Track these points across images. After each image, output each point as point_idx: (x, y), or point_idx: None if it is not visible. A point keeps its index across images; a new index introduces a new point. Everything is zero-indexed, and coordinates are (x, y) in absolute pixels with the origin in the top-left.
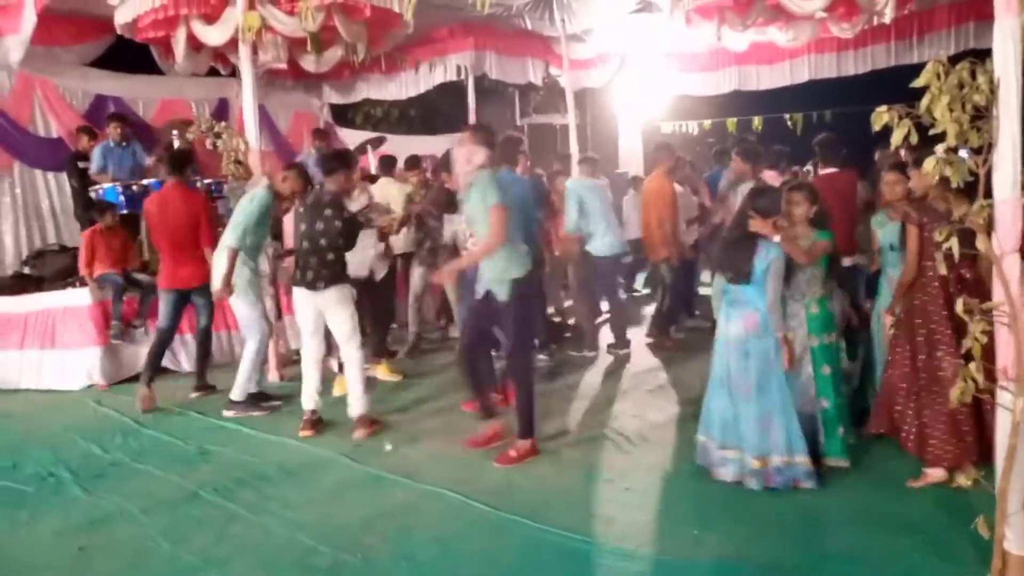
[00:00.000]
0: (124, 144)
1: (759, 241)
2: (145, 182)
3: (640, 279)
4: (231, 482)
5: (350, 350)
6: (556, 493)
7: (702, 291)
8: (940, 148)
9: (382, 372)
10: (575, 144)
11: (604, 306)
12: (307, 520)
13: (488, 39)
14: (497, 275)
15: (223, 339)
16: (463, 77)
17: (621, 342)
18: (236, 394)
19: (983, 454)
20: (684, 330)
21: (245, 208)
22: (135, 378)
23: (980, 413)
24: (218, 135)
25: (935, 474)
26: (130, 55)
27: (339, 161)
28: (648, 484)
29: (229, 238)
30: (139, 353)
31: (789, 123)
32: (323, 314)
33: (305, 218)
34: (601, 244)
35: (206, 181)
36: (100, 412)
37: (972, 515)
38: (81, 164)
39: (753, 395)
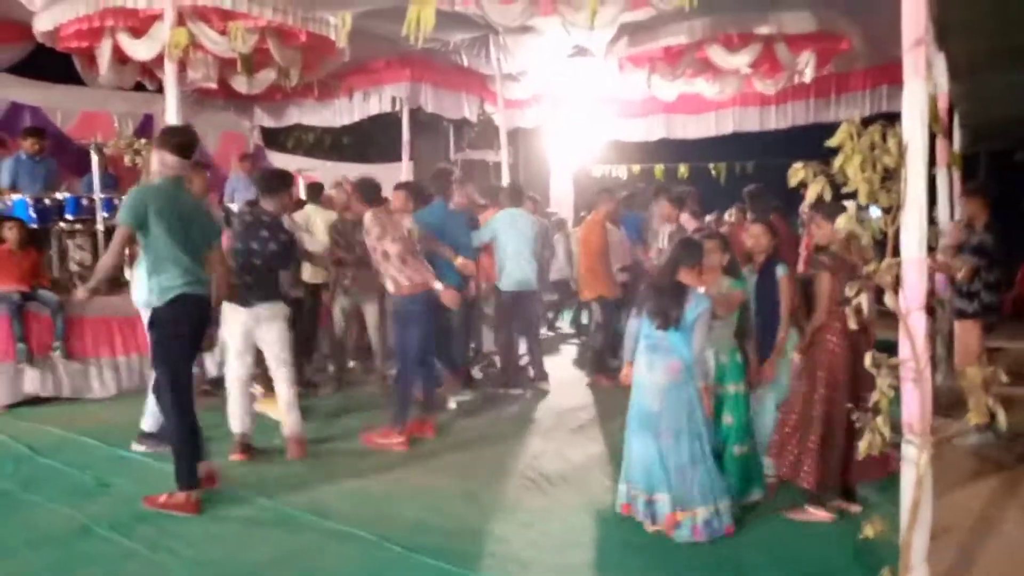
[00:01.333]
0: (38, 158)
1: (689, 290)
2: (59, 196)
3: (567, 317)
4: (129, 517)
5: (282, 370)
6: (472, 535)
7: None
8: (850, 205)
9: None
10: (507, 182)
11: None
12: (209, 559)
13: (425, 72)
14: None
15: (133, 364)
16: (398, 108)
17: (540, 373)
18: (148, 425)
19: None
20: (607, 370)
21: None
22: (35, 401)
23: (848, 444)
24: (137, 152)
25: (818, 514)
26: (51, 63)
27: (280, 181)
28: (567, 527)
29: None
30: (44, 376)
31: (713, 172)
32: (253, 332)
33: (241, 236)
34: (507, 279)
35: (123, 199)
36: None
37: (879, 565)
38: None
39: (672, 443)
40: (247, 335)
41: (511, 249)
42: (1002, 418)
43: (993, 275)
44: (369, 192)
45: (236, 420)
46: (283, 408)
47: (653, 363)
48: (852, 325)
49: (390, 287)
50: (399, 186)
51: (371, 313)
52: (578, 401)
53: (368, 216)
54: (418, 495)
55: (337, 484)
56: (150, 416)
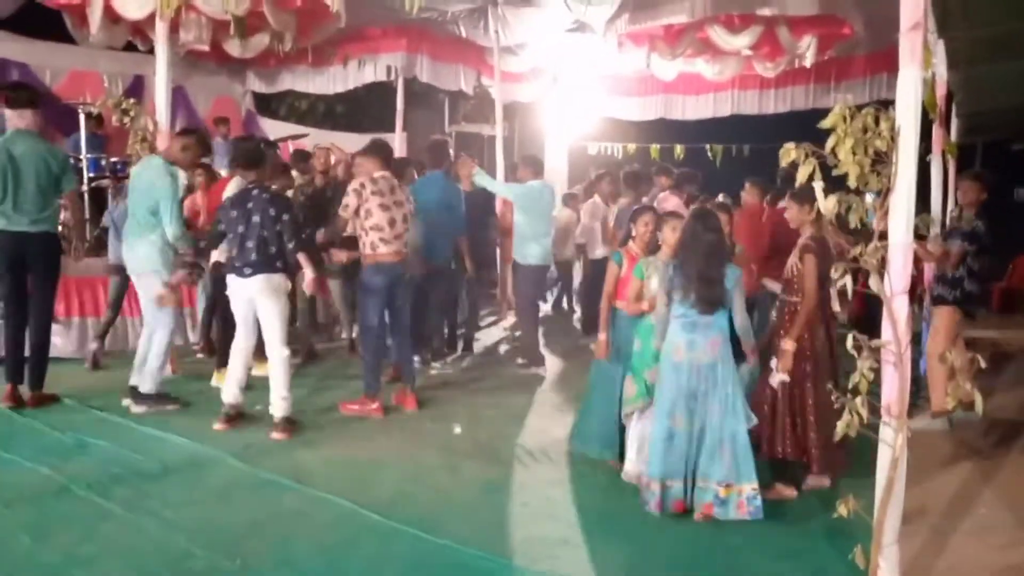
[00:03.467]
0: None
1: (726, 266)
2: None
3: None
4: (107, 478)
5: (275, 351)
6: (450, 505)
7: None
8: (817, 187)
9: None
10: (501, 156)
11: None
12: (186, 522)
13: (421, 43)
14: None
15: (117, 325)
16: (393, 78)
17: (535, 358)
18: (147, 386)
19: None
20: None
21: (169, 189)
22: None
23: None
24: (125, 112)
25: (785, 491)
26: (41, 20)
27: (255, 154)
28: (545, 500)
29: (176, 227)
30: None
31: (709, 154)
32: (254, 304)
33: (237, 207)
34: (531, 254)
35: (111, 160)
36: None
37: (851, 544)
38: None
39: (713, 422)
40: (246, 305)
41: (534, 223)
42: (979, 404)
43: (979, 263)
44: (383, 154)
45: (228, 391)
46: (272, 389)
47: (694, 342)
48: (836, 307)
49: (365, 251)
50: (366, 148)
51: (334, 285)
52: (564, 378)
53: (377, 175)
54: (399, 466)
55: (318, 452)
56: (150, 378)
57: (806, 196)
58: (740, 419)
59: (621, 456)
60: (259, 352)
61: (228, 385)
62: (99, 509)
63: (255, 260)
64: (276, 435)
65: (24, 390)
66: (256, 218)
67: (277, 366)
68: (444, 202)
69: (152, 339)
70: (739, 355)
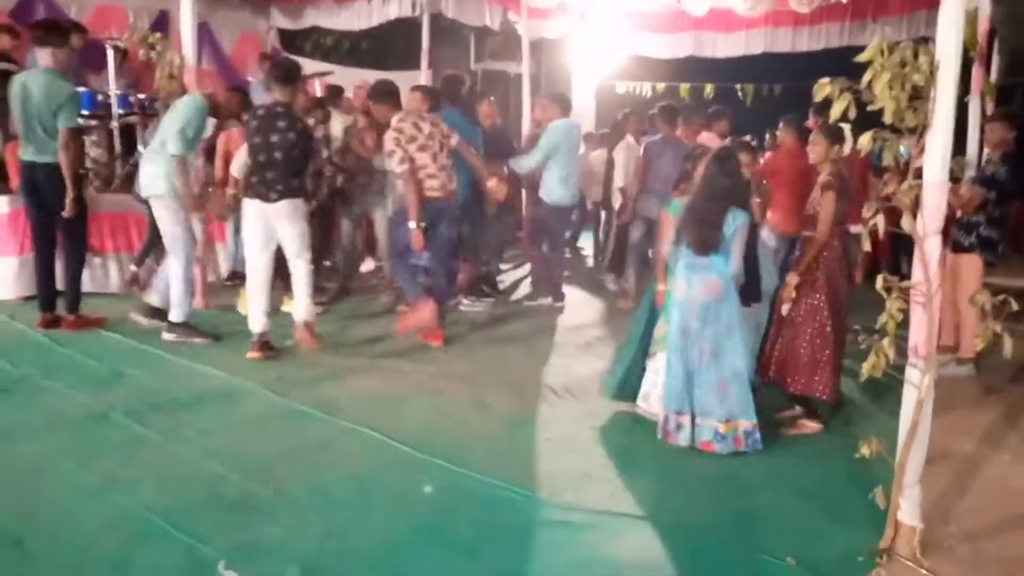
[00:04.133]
0: None
1: (728, 209)
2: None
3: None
4: (144, 406)
5: (300, 263)
6: (477, 439)
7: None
8: (847, 127)
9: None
10: (528, 94)
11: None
12: (220, 448)
13: None
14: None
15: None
16: (418, 14)
17: (557, 294)
18: (175, 315)
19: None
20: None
21: (183, 113)
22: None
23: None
24: (152, 46)
25: (811, 425)
26: None
27: (293, 70)
28: (569, 436)
29: (174, 145)
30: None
31: (740, 94)
32: (273, 228)
33: (258, 130)
34: (556, 192)
35: (139, 96)
36: (12, 326)
37: (872, 484)
38: (1, 65)
39: (711, 360)
40: (266, 230)
41: (563, 162)
42: (1008, 347)
43: (999, 210)
44: (389, 96)
45: (255, 320)
46: (297, 296)
47: (692, 281)
48: (866, 247)
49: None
50: (416, 88)
51: (380, 218)
52: (588, 318)
53: (396, 118)
54: (427, 400)
55: (347, 385)
56: (177, 307)
57: (837, 134)
58: (741, 356)
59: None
60: (287, 286)
61: (253, 314)
62: (137, 435)
63: (282, 185)
64: (300, 336)
65: (64, 315)
66: (290, 138)
67: (301, 276)
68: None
69: (169, 266)
70: (747, 298)
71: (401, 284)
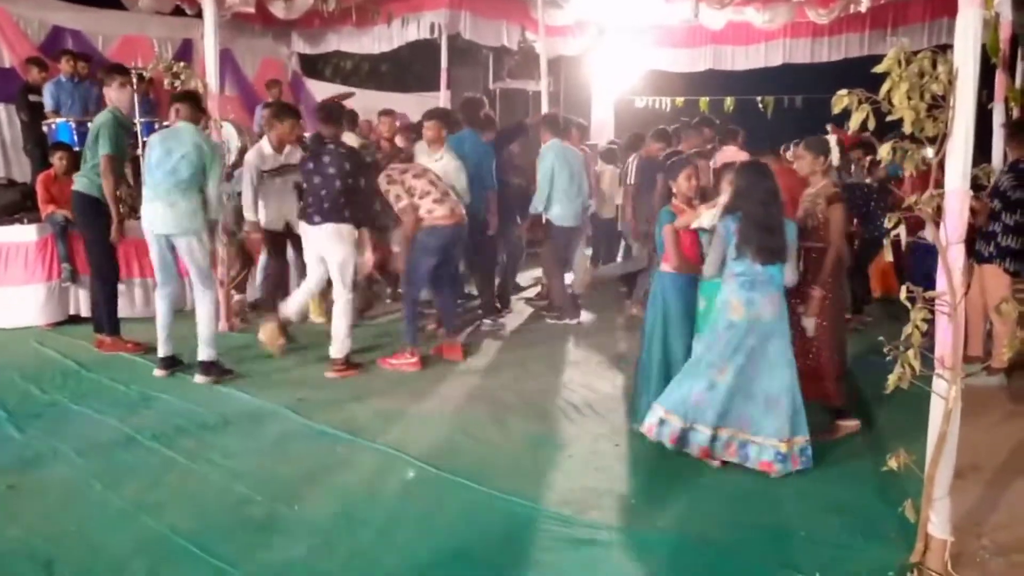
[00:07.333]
0: (76, 80)
1: (784, 215)
2: None
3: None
4: (171, 429)
5: (339, 290)
6: (499, 457)
7: None
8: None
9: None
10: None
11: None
12: (246, 470)
13: None
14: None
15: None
16: (437, 35)
17: (573, 311)
18: (206, 355)
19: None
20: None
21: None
22: (78, 319)
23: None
24: (176, 75)
25: (849, 424)
26: None
27: (338, 111)
28: (591, 453)
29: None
30: (88, 296)
31: (761, 106)
32: (321, 249)
33: (313, 159)
34: (561, 214)
35: (164, 124)
36: (41, 352)
37: (902, 498)
38: (32, 97)
39: (768, 377)
40: (314, 251)
41: (562, 182)
42: None
43: (1012, 219)
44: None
45: (289, 306)
46: (334, 334)
47: (753, 300)
48: (888, 257)
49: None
50: (429, 116)
51: (396, 238)
52: (607, 334)
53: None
54: (449, 419)
55: (370, 405)
56: (208, 346)
57: (821, 146)
58: (792, 369)
59: None
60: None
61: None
62: (164, 458)
63: (325, 209)
64: (331, 374)
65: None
66: (331, 171)
67: (341, 310)
68: (474, 160)
69: (196, 307)
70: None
71: (405, 323)
